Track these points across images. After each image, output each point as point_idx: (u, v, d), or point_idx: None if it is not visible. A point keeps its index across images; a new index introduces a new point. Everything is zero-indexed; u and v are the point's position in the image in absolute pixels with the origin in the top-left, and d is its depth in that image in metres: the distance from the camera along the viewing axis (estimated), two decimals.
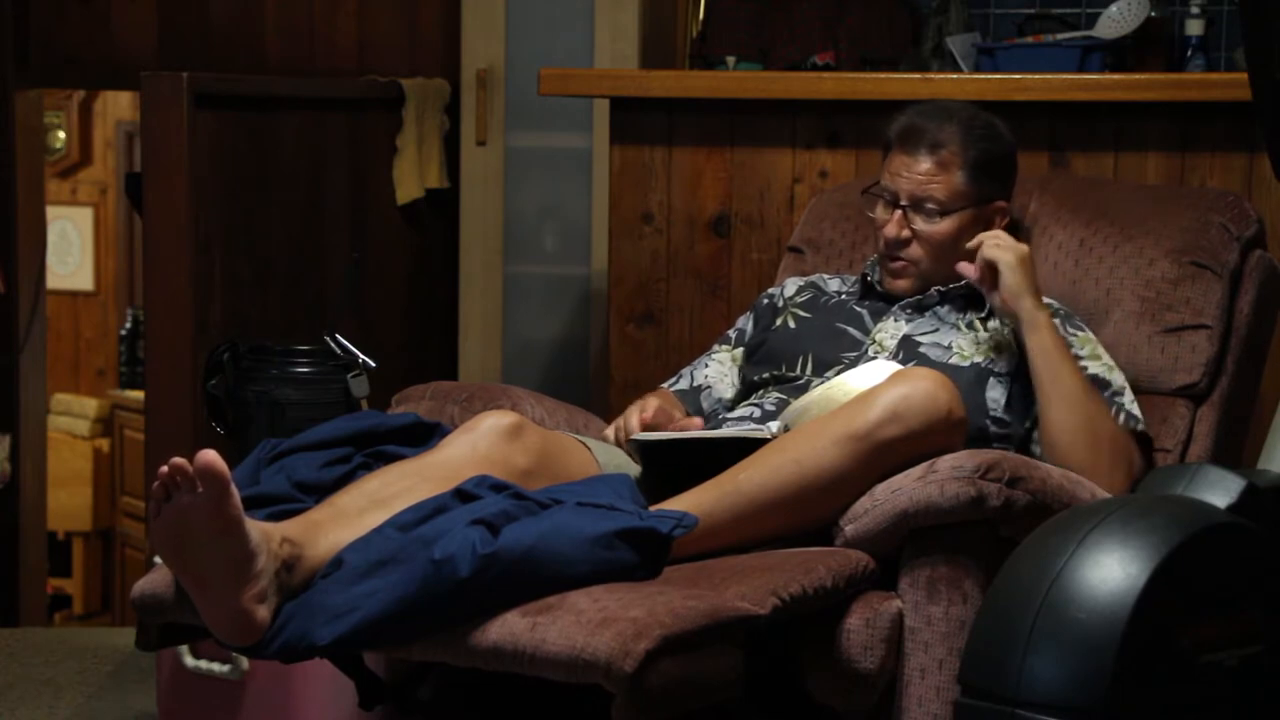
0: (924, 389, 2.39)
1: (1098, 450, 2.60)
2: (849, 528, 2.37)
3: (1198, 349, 2.82)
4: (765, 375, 2.85)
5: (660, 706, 2.02)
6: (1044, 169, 3.33)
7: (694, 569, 2.26)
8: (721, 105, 3.50)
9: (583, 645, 2.01)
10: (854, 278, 2.98)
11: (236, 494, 2.10)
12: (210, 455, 2.07)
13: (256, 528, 2.13)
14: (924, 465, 2.34)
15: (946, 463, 2.32)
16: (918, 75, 3.74)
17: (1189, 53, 4.09)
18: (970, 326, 2.80)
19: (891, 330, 2.80)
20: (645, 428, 2.66)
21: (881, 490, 2.35)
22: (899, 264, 2.83)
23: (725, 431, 2.60)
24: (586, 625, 2.03)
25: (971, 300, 2.84)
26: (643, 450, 2.60)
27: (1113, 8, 3.91)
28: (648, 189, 3.55)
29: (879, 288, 2.88)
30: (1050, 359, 2.63)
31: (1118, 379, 2.75)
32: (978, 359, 2.74)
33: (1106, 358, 2.78)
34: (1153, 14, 3.99)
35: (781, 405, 2.73)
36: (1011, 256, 2.66)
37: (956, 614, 2.30)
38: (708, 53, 4.29)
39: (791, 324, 2.91)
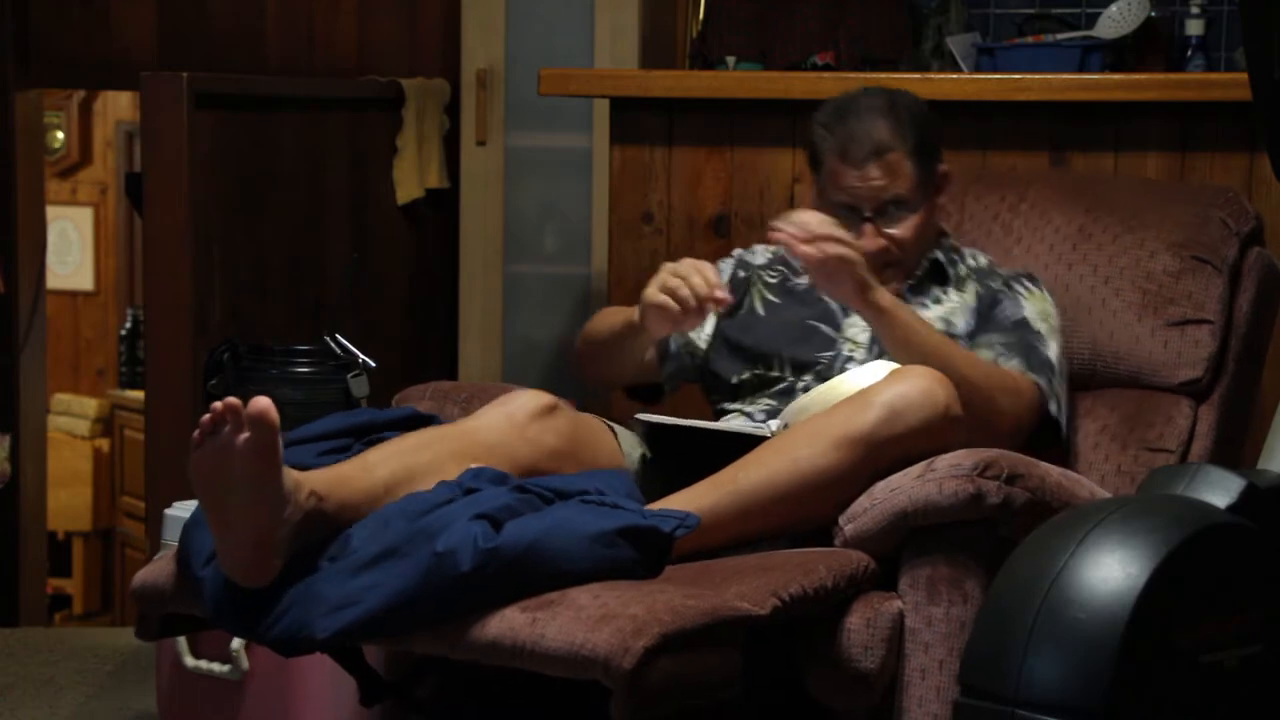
0: (922, 386, 2.40)
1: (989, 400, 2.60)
2: (849, 527, 2.37)
3: (1200, 344, 2.82)
4: (745, 376, 2.84)
5: (658, 704, 2.02)
6: (1044, 169, 3.33)
7: (695, 568, 2.27)
8: (721, 105, 3.50)
9: (582, 641, 2.02)
10: None
11: (281, 446, 2.11)
12: (265, 402, 2.09)
13: (290, 476, 2.15)
14: (922, 464, 2.34)
15: (945, 461, 2.32)
16: (918, 75, 3.73)
17: (1189, 53, 4.09)
18: (936, 301, 2.80)
19: (863, 324, 2.78)
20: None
21: (880, 489, 2.36)
22: (887, 271, 2.79)
23: (727, 426, 2.60)
24: (586, 621, 2.04)
25: (934, 276, 2.84)
26: (647, 430, 2.61)
27: (1113, 8, 3.91)
28: (648, 189, 3.55)
29: None
30: (916, 334, 2.61)
31: (1043, 327, 2.73)
32: (939, 327, 2.73)
33: (1053, 318, 2.77)
34: (1153, 14, 3.99)
35: (772, 412, 2.73)
36: (850, 271, 2.56)
37: (957, 614, 2.30)
38: (708, 53, 4.29)
39: (760, 309, 2.87)
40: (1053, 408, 2.72)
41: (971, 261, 2.87)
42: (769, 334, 2.84)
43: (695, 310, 2.58)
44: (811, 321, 2.84)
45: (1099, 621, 1.79)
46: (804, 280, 2.89)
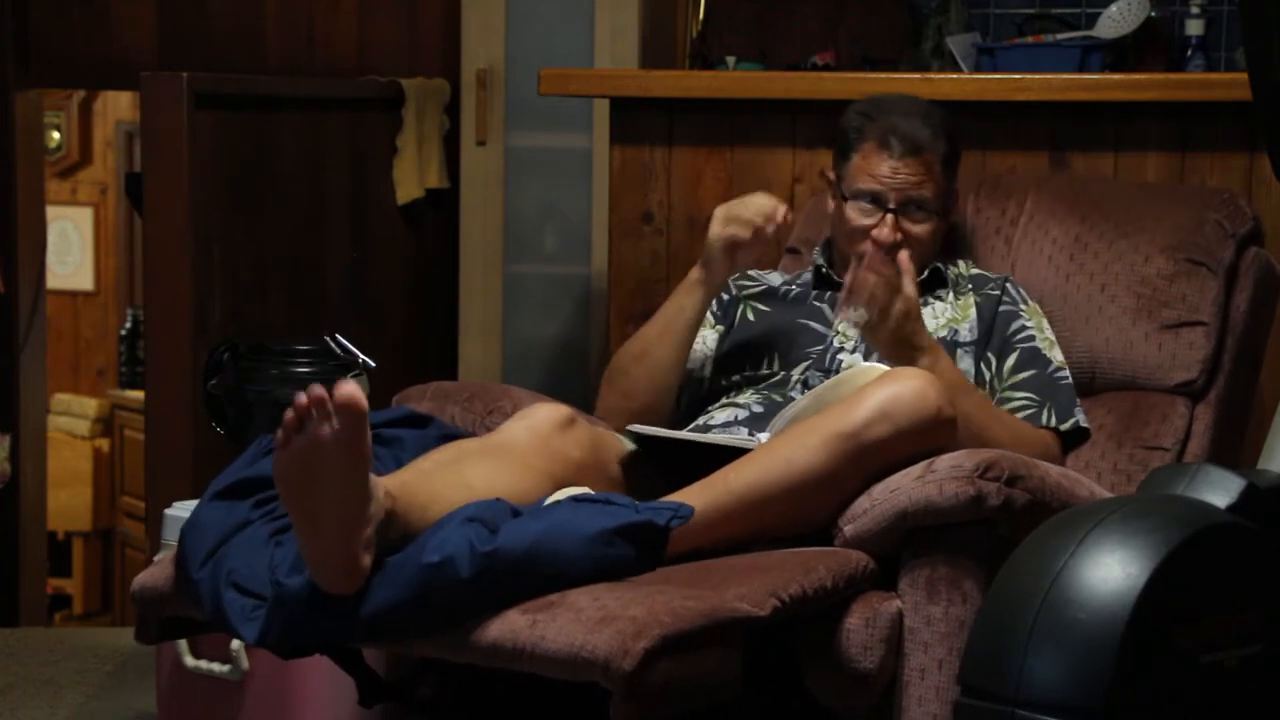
0: (913, 387, 2.40)
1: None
2: (848, 528, 2.38)
3: (1195, 346, 2.83)
4: (735, 377, 2.85)
5: (658, 705, 2.02)
6: (1044, 169, 3.33)
7: (694, 569, 2.27)
8: (721, 105, 3.50)
9: (581, 643, 2.02)
10: (806, 273, 2.98)
11: (369, 434, 2.06)
12: (352, 388, 2.04)
13: (371, 475, 2.10)
14: (922, 465, 2.34)
15: (945, 462, 2.32)
16: (918, 75, 3.74)
17: (1189, 53, 4.09)
18: (925, 303, 2.82)
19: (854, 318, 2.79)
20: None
21: (880, 490, 2.36)
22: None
23: (716, 438, 2.60)
24: (586, 623, 2.04)
25: (932, 283, 2.87)
26: (638, 441, 2.61)
27: (1113, 8, 3.91)
28: (648, 189, 3.55)
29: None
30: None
31: (1057, 356, 2.81)
32: (941, 333, 2.76)
33: (1049, 331, 2.84)
34: (1153, 14, 3.99)
35: (765, 402, 2.73)
36: (902, 307, 2.60)
37: (956, 614, 2.30)
38: (708, 53, 4.29)
39: (751, 316, 2.92)
40: (1082, 422, 2.77)
41: (955, 268, 2.93)
42: (760, 336, 2.88)
43: (766, 225, 2.77)
44: (802, 320, 2.87)
45: (1099, 621, 1.79)
46: (792, 286, 2.95)
